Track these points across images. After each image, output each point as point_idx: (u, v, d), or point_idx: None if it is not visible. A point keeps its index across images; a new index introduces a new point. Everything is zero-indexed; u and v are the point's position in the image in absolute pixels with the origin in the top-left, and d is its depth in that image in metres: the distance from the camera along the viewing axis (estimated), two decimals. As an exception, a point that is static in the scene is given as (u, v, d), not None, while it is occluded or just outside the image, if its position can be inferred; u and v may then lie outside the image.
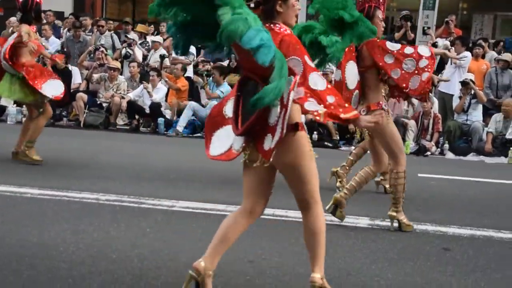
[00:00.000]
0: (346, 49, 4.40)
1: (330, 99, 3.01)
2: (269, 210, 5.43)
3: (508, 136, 10.59)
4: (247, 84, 3.13)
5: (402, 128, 11.01)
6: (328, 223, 5.11)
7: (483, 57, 12.48)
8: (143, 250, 4.17)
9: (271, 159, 3.01)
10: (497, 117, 10.88)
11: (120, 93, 12.14)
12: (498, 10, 17.42)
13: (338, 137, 10.94)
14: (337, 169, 6.68)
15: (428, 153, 10.60)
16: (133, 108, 11.91)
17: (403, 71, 4.84)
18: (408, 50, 4.90)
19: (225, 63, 12.43)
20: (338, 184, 6.62)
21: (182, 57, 13.05)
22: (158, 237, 4.53)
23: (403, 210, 5.12)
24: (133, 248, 4.20)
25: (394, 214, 5.07)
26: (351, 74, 4.80)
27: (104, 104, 12.16)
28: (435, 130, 10.80)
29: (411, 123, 10.89)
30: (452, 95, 11.46)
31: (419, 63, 4.86)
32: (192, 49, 13.25)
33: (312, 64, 3.07)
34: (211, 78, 11.90)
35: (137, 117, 12.11)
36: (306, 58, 3.04)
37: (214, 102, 11.37)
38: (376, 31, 4.20)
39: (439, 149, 10.85)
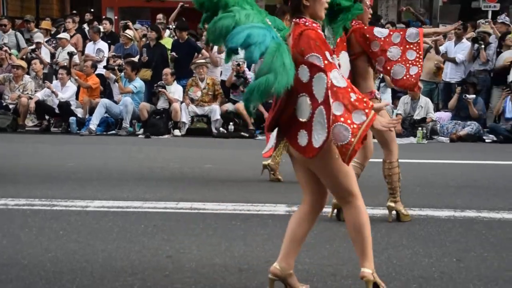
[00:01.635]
0: (338, 40, 4.32)
1: (353, 96, 2.91)
2: (186, 203, 5.45)
3: (416, 117, 11.01)
4: None
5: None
6: (245, 212, 5.24)
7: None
8: (57, 253, 4.05)
9: (311, 157, 3.00)
10: (405, 99, 11.26)
11: (27, 93, 11.69)
12: (401, -5, 18.02)
13: (254, 127, 11.00)
14: (268, 161, 6.54)
15: (342, 137, 10.82)
16: (42, 108, 11.50)
17: (387, 59, 4.70)
18: (395, 38, 4.72)
19: (136, 58, 12.20)
20: (271, 177, 6.62)
21: (93, 55, 12.71)
22: (72, 239, 4.40)
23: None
24: (46, 252, 4.07)
25: (393, 204, 5.07)
26: (344, 64, 4.58)
27: (11, 106, 11.67)
28: (350, 115, 11.04)
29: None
30: (361, 80, 11.74)
31: (406, 54, 4.72)
32: (104, 47, 12.90)
33: (332, 60, 2.98)
34: (123, 73, 11.65)
35: (47, 117, 11.71)
36: (327, 54, 2.96)
37: (128, 98, 11.19)
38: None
39: (352, 133, 11.10)
